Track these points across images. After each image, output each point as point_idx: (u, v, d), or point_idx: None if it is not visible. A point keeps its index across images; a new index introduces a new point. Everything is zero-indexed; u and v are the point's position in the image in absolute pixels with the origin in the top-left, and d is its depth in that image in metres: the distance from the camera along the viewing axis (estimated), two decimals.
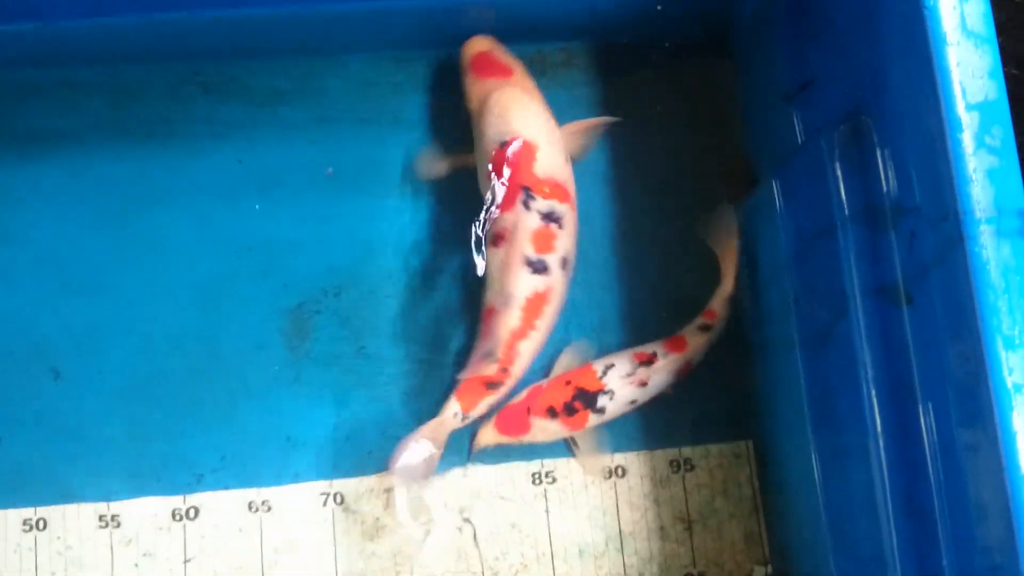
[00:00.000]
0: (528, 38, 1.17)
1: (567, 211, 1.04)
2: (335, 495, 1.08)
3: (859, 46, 0.86)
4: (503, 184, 1.04)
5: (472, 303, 1.12)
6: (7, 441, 1.08)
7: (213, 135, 1.14)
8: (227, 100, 1.14)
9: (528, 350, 1.04)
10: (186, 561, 1.06)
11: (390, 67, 1.17)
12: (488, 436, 1.07)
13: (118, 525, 1.06)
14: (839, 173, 0.87)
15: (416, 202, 1.14)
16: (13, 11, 1.04)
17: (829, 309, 0.89)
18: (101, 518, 1.07)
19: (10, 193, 1.12)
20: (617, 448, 1.09)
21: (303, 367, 1.11)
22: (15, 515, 1.06)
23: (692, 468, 1.09)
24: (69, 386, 1.09)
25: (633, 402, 1.08)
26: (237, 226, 1.13)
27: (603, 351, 1.11)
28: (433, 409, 1.09)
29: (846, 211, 0.87)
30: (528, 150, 1.03)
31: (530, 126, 1.04)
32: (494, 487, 1.09)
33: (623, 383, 1.06)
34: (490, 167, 1.03)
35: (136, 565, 1.06)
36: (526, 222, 1.02)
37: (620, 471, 1.09)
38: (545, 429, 1.07)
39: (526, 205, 1.02)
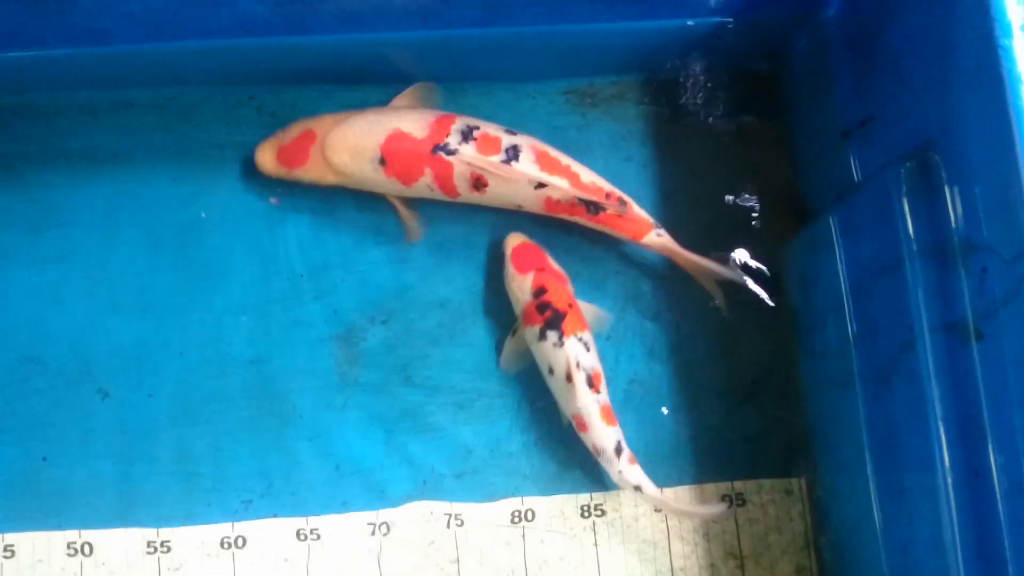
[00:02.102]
0: (580, 71, 1.18)
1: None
2: (382, 525, 1.07)
3: (927, 83, 0.87)
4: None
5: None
6: (53, 461, 1.07)
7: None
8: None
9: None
10: None
11: (442, 96, 1.16)
12: (511, 243, 1.10)
13: (167, 551, 1.05)
14: (906, 209, 0.87)
15: (468, 231, 1.14)
16: (73, 36, 1.05)
17: (894, 345, 0.88)
18: (150, 544, 1.05)
19: (63, 213, 1.12)
20: (667, 482, 1.09)
21: (352, 394, 1.11)
22: (59, 538, 1.05)
23: (744, 503, 1.08)
24: (117, 407, 1.08)
25: (550, 370, 1.05)
26: (289, 251, 1.13)
27: (651, 381, 1.11)
28: (482, 439, 1.10)
29: (914, 247, 0.86)
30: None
31: None
32: (545, 519, 1.08)
33: (568, 356, 1.03)
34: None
35: None
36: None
37: None
38: (521, 288, 1.07)
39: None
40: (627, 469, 1.04)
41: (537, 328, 1.07)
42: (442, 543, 1.07)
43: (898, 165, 0.88)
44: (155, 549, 1.05)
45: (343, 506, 1.07)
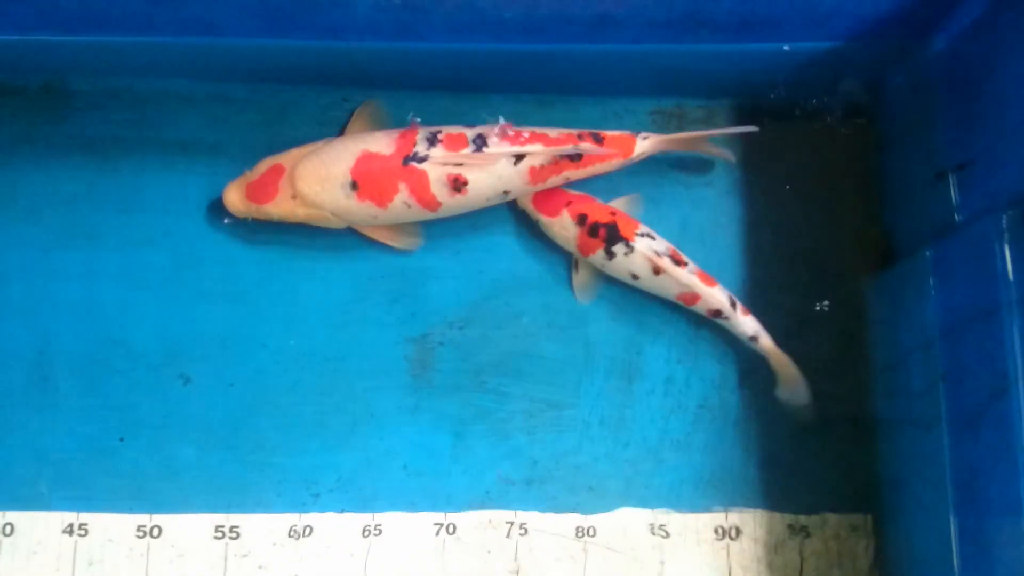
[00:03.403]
0: (669, 91, 1.19)
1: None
2: (448, 526, 1.09)
3: None
4: None
5: (595, 350, 1.13)
6: (130, 443, 1.09)
7: None
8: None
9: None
10: None
11: (531, 109, 1.18)
12: (524, 199, 1.12)
13: (236, 536, 1.07)
14: (1007, 256, 0.87)
15: (548, 244, 1.15)
16: (183, 24, 1.07)
17: (984, 391, 0.88)
18: (218, 528, 1.07)
19: (155, 199, 1.15)
20: (732, 505, 1.09)
21: (424, 396, 1.12)
22: (131, 520, 1.07)
23: (809, 535, 1.08)
24: (198, 393, 1.10)
25: (635, 276, 1.10)
26: (372, 252, 1.14)
27: (722, 406, 1.12)
28: (549, 450, 1.11)
29: (1012, 294, 0.86)
30: None
31: None
32: (608, 536, 1.09)
33: (645, 254, 1.09)
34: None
35: None
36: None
37: (735, 531, 1.09)
38: (564, 226, 1.11)
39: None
40: (743, 321, 1.09)
41: (601, 250, 1.10)
42: (501, 551, 1.08)
43: (999, 212, 0.88)
44: (223, 534, 1.07)
45: (409, 505, 1.09)
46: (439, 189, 1.06)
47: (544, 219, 1.12)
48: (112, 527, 1.07)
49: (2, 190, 1.15)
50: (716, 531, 1.08)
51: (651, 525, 1.09)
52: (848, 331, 1.14)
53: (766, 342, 1.10)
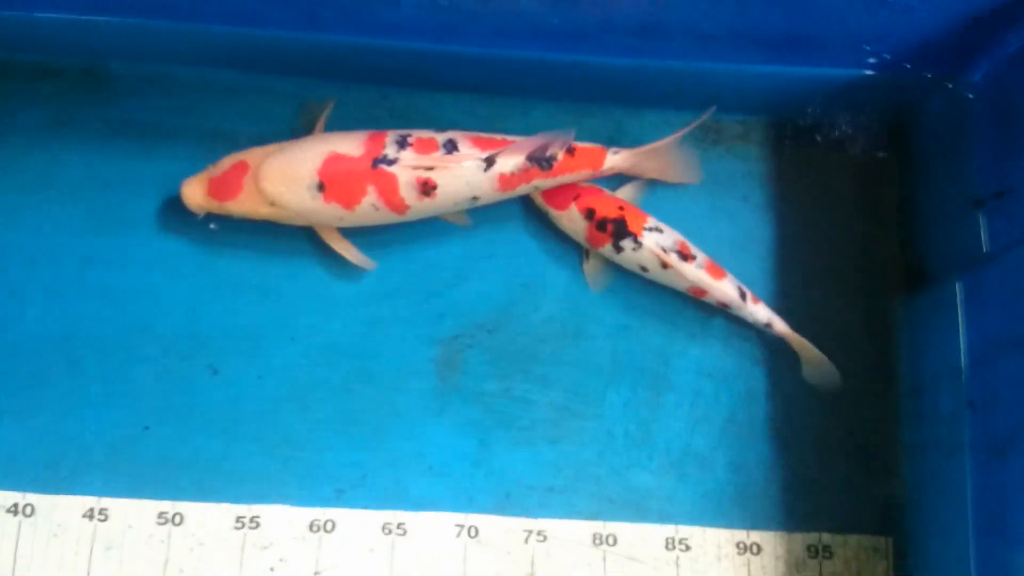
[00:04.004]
0: (708, 106, 1.18)
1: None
2: (470, 528, 1.08)
3: None
4: None
5: (622, 360, 1.13)
6: (155, 430, 1.09)
7: None
8: (410, 128, 1.14)
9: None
10: (316, 573, 1.06)
11: (569, 118, 1.19)
12: (534, 192, 1.13)
13: (256, 527, 1.07)
14: None
15: (579, 252, 1.16)
16: (229, 13, 1.08)
17: (1014, 419, 0.88)
18: (239, 519, 1.07)
19: None
20: (754, 525, 1.09)
21: (450, 399, 1.12)
22: (152, 506, 1.07)
23: (830, 556, 1.08)
24: (225, 384, 1.10)
25: (644, 269, 1.12)
26: (405, 250, 1.15)
27: (749, 422, 1.12)
28: (572, 459, 1.11)
29: None
30: None
31: None
32: (627, 546, 1.09)
33: (653, 250, 1.10)
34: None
35: (271, 569, 1.06)
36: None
37: (755, 548, 1.09)
38: (572, 219, 1.12)
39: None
40: (755, 309, 1.11)
41: (609, 244, 1.11)
42: (519, 555, 1.08)
43: None
44: (243, 524, 1.07)
45: (431, 505, 1.09)
46: (408, 192, 1.06)
47: (553, 212, 1.14)
48: (133, 513, 1.07)
49: (39, 172, 1.15)
50: (737, 546, 1.08)
51: (671, 538, 1.09)
52: (875, 354, 1.14)
53: (781, 327, 1.11)
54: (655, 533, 1.09)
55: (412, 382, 1.12)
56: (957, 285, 1.01)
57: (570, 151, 1.10)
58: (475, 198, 1.09)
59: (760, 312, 1.12)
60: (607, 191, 1.15)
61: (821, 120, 1.18)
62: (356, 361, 1.12)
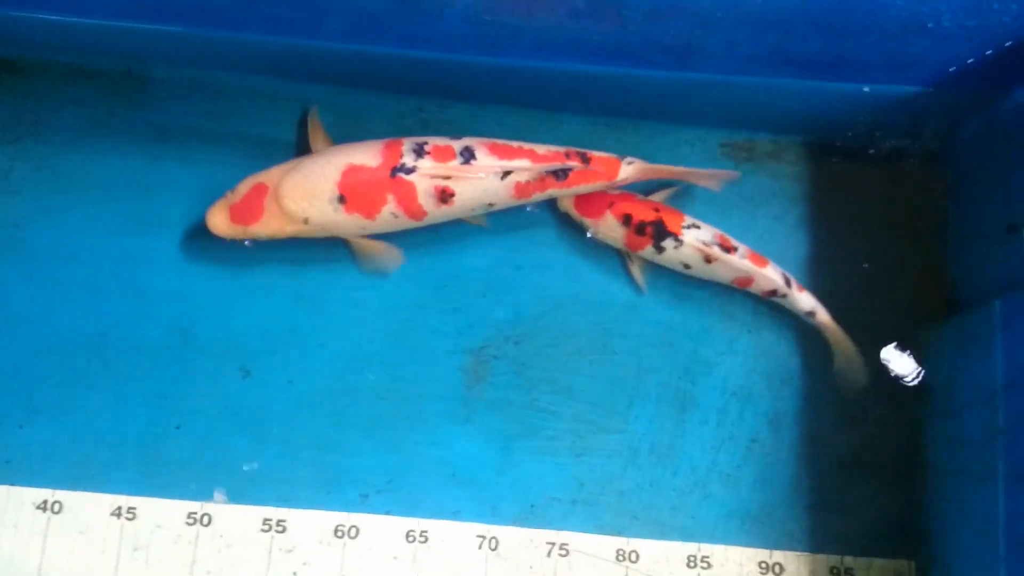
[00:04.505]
0: (742, 124, 1.20)
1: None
2: (491, 539, 1.09)
3: None
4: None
5: (648, 375, 1.14)
6: (186, 430, 1.10)
7: None
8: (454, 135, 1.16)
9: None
10: None
11: (603, 132, 1.19)
12: (567, 200, 1.14)
13: (282, 531, 1.08)
14: None
15: (608, 266, 1.16)
16: (271, 23, 1.09)
17: None
18: (266, 522, 1.08)
19: (224, 190, 1.13)
20: (777, 545, 1.09)
21: (475, 408, 1.13)
22: (181, 507, 1.08)
23: None
24: (256, 387, 1.12)
25: (687, 266, 1.13)
26: (436, 260, 1.16)
27: (774, 442, 1.12)
28: (596, 473, 1.11)
29: None
30: None
31: None
32: (649, 562, 1.09)
33: (695, 246, 1.11)
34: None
35: (294, 573, 1.07)
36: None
37: (778, 568, 1.08)
38: (610, 227, 1.13)
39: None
40: (800, 297, 1.12)
41: (650, 247, 1.12)
42: (541, 569, 1.08)
43: None
44: (270, 528, 1.08)
45: (454, 514, 1.10)
46: (426, 200, 1.08)
47: (590, 222, 1.14)
48: (161, 513, 1.08)
49: (78, 172, 1.17)
50: (760, 566, 1.08)
51: (693, 556, 1.09)
52: (906, 376, 1.14)
53: (823, 317, 1.12)
54: (677, 551, 1.09)
55: (439, 390, 1.13)
56: (993, 310, 1.00)
57: (585, 160, 1.11)
58: (491, 204, 1.11)
59: (804, 300, 1.12)
60: (639, 195, 1.16)
61: (856, 141, 1.18)
62: (384, 368, 1.13)
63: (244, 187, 1.09)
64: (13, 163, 1.17)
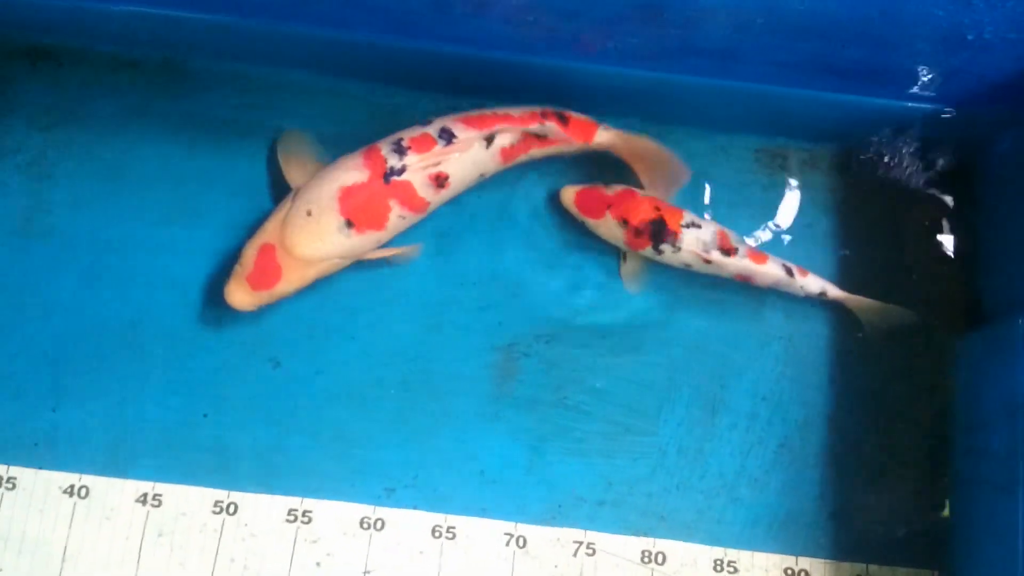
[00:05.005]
0: (776, 132, 1.20)
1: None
2: (519, 538, 1.09)
3: None
4: None
5: (679, 378, 1.13)
6: (213, 419, 1.10)
7: None
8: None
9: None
10: (366, 572, 1.07)
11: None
12: (569, 196, 1.14)
13: (308, 521, 1.08)
14: None
15: (644, 269, 1.16)
16: (313, 15, 1.10)
17: None
18: (291, 512, 1.08)
19: (262, 185, 1.16)
20: (803, 552, 1.09)
21: (504, 406, 1.13)
22: (209, 495, 1.08)
23: None
24: (286, 378, 1.12)
25: (687, 266, 1.12)
26: (467, 257, 1.16)
27: (802, 448, 1.12)
28: (624, 474, 1.11)
29: None
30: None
31: None
32: (676, 565, 1.08)
33: (693, 246, 1.10)
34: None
35: (318, 564, 1.07)
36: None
37: (803, 574, 1.08)
38: (609, 227, 1.13)
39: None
40: (805, 282, 1.12)
41: (650, 248, 1.12)
42: (567, 568, 1.08)
43: None
44: (296, 518, 1.08)
45: (481, 511, 1.09)
46: (425, 191, 1.08)
47: (590, 221, 1.14)
48: (187, 500, 1.08)
49: (113, 161, 1.17)
50: (785, 572, 1.08)
51: (720, 560, 1.08)
52: (932, 387, 1.14)
53: (836, 292, 1.13)
54: (704, 554, 1.09)
55: (467, 387, 1.13)
56: (1017, 324, 1.00)
57: (564, 120, 1.12)
58: (482, 175, 1.12)
59: (811, 283, 1.13)
60: (639, 192, 1.15)
61: (889, 152, 1.18)
62: (413, 363, 1.13)
63: (250, 254, 1.07)
64: (48, 149, 1.18)
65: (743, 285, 1.13)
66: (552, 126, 1.10)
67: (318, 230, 1.06)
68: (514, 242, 1.17)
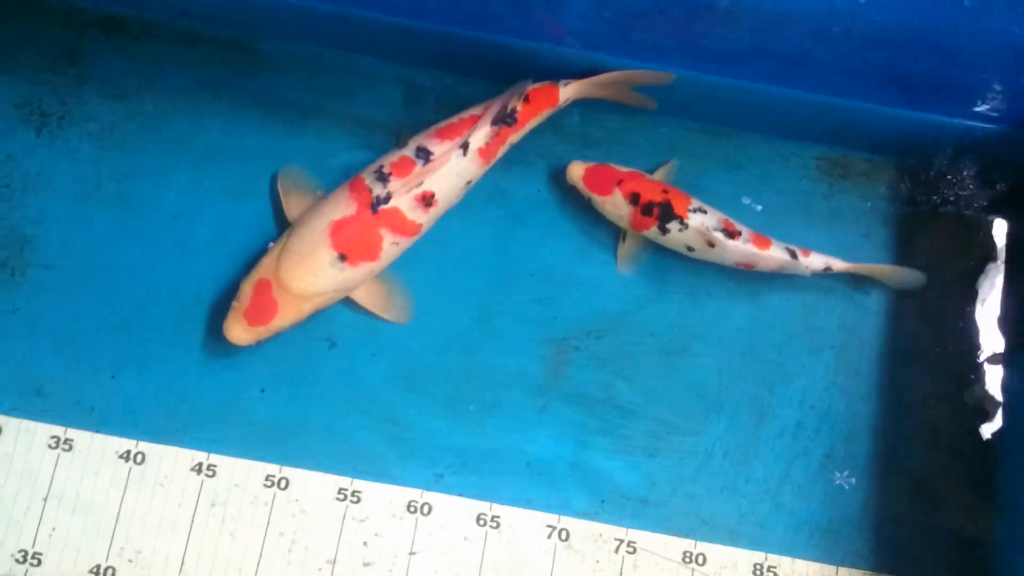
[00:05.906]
0: (838, 141, 1.20)
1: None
2: (561, 531, 1.10)
3: None
4: None
5: (728, 381, 1.14)
6: (269, 395, 1.12)
7: (519, 160, 1.19)
8: (540, 132, 1.17)
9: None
10: (411, 553, 1.09)
11: (697, 137, 1.20)
12: (577, 172, 1.15)
13: (357, 501, 1.10)
14: None
15: (697, 269, 1.17)
16: (386, 4, 1.11)
17: None
18: (341, 491, 1.10)
19: (326, 167, 1.17)
20: (843, 562, 1.10)
21: (551, 399, 1.14)
22: (260, 468, 1.11)
23: None
24: (341, 358, 1.14)
25: (690, 249, 1.13)
26: (526, 249, 1.17)
27: (847, 459, 1.12)
28: (668, 474, 1.12)
29: None
30: None
31: None
32: (716, 567, 1.09)
33: (699, 230, 1.11)
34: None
35: (364, 544, 1.09)
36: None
37: None
38: (616, 204, 1.13)
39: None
40: (809, 261, 1.13)
41: (655, 227, 1.12)
42: (607, 565, 1.09)
43: None
44: (345, 497, 1.10)
45: (526, 502, 1.11)
46: (415, 214, 1.09)
47: (597, 198, 1.15)
48: (240, 472, 1.10)
49: (182, 133, 1.19)
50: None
51: (760, 565, 1.09)
52: (979, 408, 1.14)
53: (840, 265, 1.14)
54: (744, 558, 1.10)
55: (518, 378, 1.14)
56: None
57: (525, 99, 1.12)
58: (469, 182, 1.13)
59: (815, 262, 1.13)
60: (647, 175, 1.16)
61: (950, 169, 1.18)
62: (466, 351, 1.14)
63: (246, 290, 1.09)
64: (119, 120, 1.20)
65: (792, 286, 1.14)
66: (515, 107, 1.11)
67: (312, 266, 1.08)
68: (570, 238, 1.18)
